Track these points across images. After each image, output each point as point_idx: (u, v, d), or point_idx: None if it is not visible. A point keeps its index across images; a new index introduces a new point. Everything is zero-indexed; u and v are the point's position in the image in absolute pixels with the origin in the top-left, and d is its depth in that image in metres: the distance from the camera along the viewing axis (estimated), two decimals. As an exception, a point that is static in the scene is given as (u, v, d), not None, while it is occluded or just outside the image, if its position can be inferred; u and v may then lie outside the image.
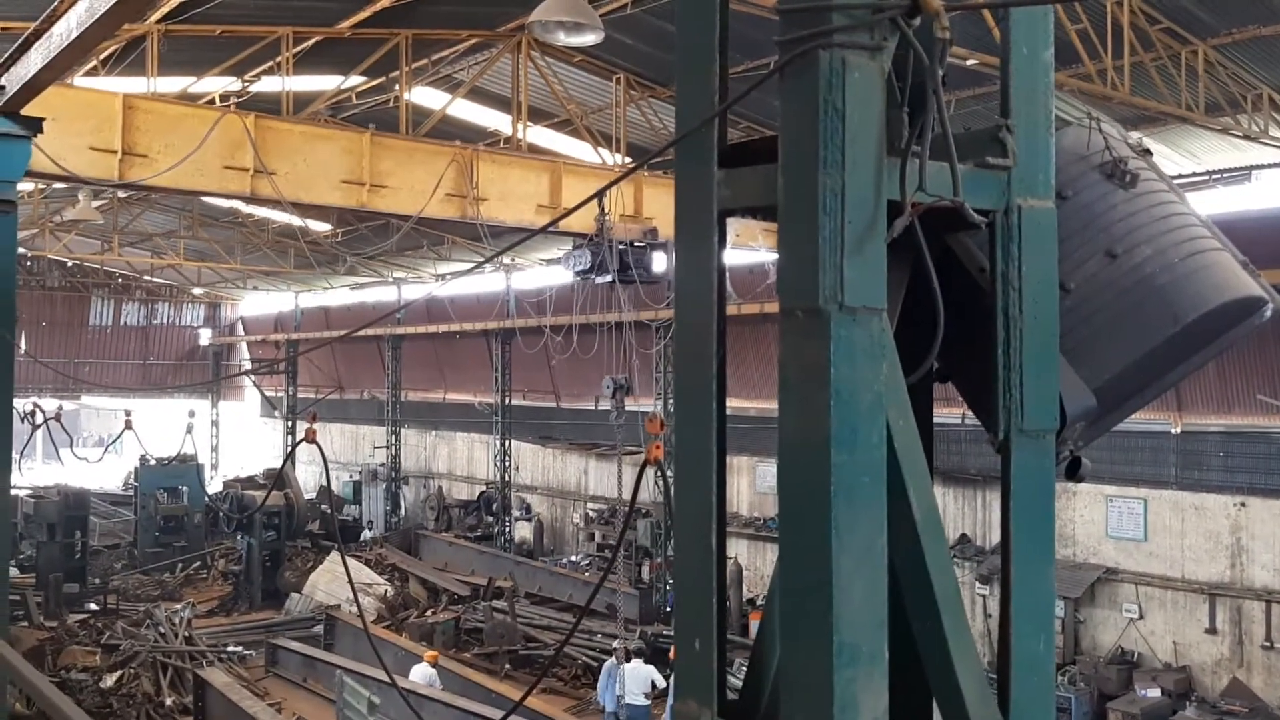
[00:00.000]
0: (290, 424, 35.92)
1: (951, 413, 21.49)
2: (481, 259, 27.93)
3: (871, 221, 2.02)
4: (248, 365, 40.81)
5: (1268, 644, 16.66)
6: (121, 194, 23.97)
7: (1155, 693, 17.01)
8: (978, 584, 20.61)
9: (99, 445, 25.49)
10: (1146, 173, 2.47)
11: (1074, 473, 2.37)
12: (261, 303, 41.79)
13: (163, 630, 19.30)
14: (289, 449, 15.65)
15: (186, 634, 19.44)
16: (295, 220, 24.42)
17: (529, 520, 30.25)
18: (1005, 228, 2.22)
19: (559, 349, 24.27)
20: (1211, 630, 17.37)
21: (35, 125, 8.14)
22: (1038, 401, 2.22)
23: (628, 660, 16.77)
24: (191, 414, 24.00)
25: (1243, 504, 17.06)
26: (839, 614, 1.91)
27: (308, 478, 32.78)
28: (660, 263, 14.98)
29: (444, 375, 34.17)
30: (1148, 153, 2.55)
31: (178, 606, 21.40)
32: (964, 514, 21.35)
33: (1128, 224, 2.39)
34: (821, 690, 1.92)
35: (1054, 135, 2.31)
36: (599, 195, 13.58)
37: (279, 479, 24.37)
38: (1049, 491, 2.28)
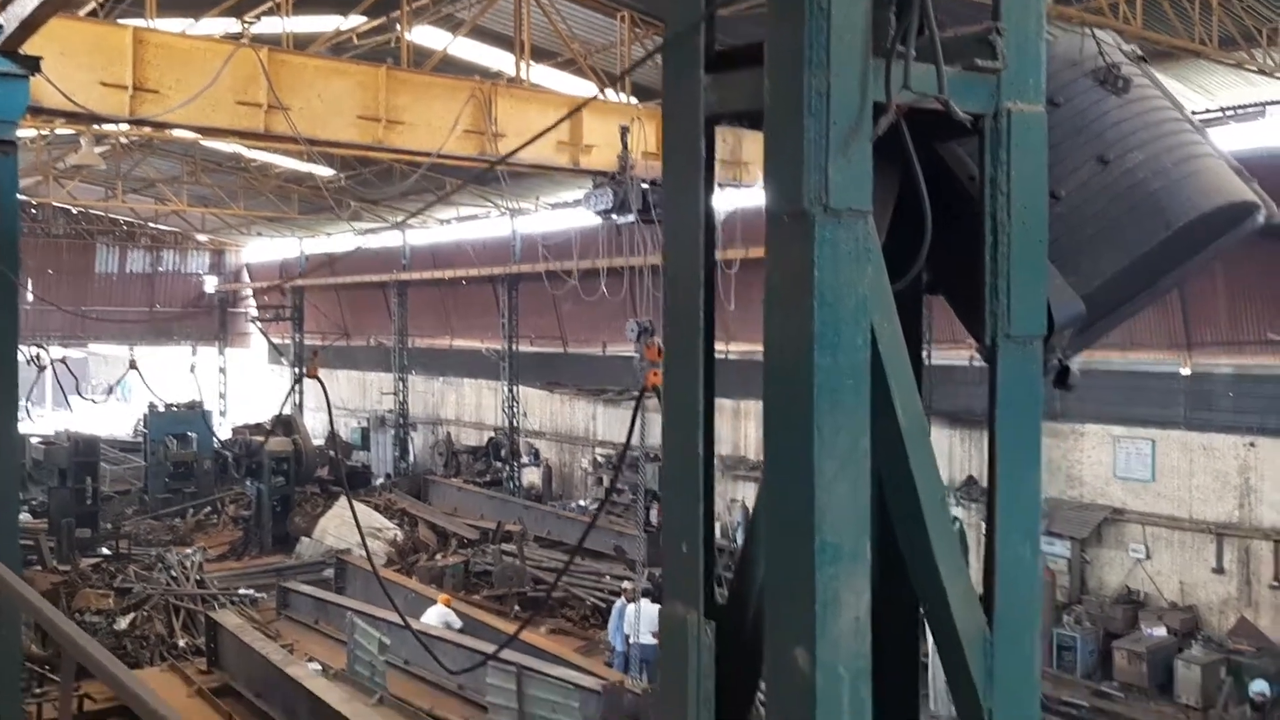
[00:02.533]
0: (298, 371, 36.02)
1: (959, 354, 21.50)
2: (489, 204, 27.85)
3: (857, 123, 1.99)
4: (253, 312, 40.89)
5: (1275, 583, 16.74)
6: (124, 139, 23.86)
7: (1161, 632, 17.13)
8: (983, 524, 20.71)
9: (107, 393, 25.64)
10: (1140, 79, 2.43)
11: (1063, 381, 2.36)
12: (266, 249, 41.77)
13: (174, 574, 19.51)
14: (292, 386, 15.74)
15: (198, 578, 19.65)
16: (301, 165, 24.34)
17: (537, 466, 30.42)
18: (994, 132, 2.19)
19: (570, 294, 24.22)
20: (1219, 570, 17.44)
21: (33, 64, 8.08)
22: (1025, 307, 2.20)
23: (636, 601, 16.93)
24: (193, 363, 24.11)
25: (1252, 444, 17.05)
26: (821, 514, 1.92)
27: (316, 425, 32.94)
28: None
29: (451, 322, 34.19)
30: (1142, 59, 2.51)
31: (189, 551, 21.60)
32: (971, 456, 21.38)
33: (1120, 130, 2.35)
34: (804, 587, 1.93)
35: (1045, 40, 2.27)
36: (567, 118, 13.47)
37: (280, 420, 24.52)
38: (1036, 398, 2.27)
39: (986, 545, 2.27)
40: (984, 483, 19.81)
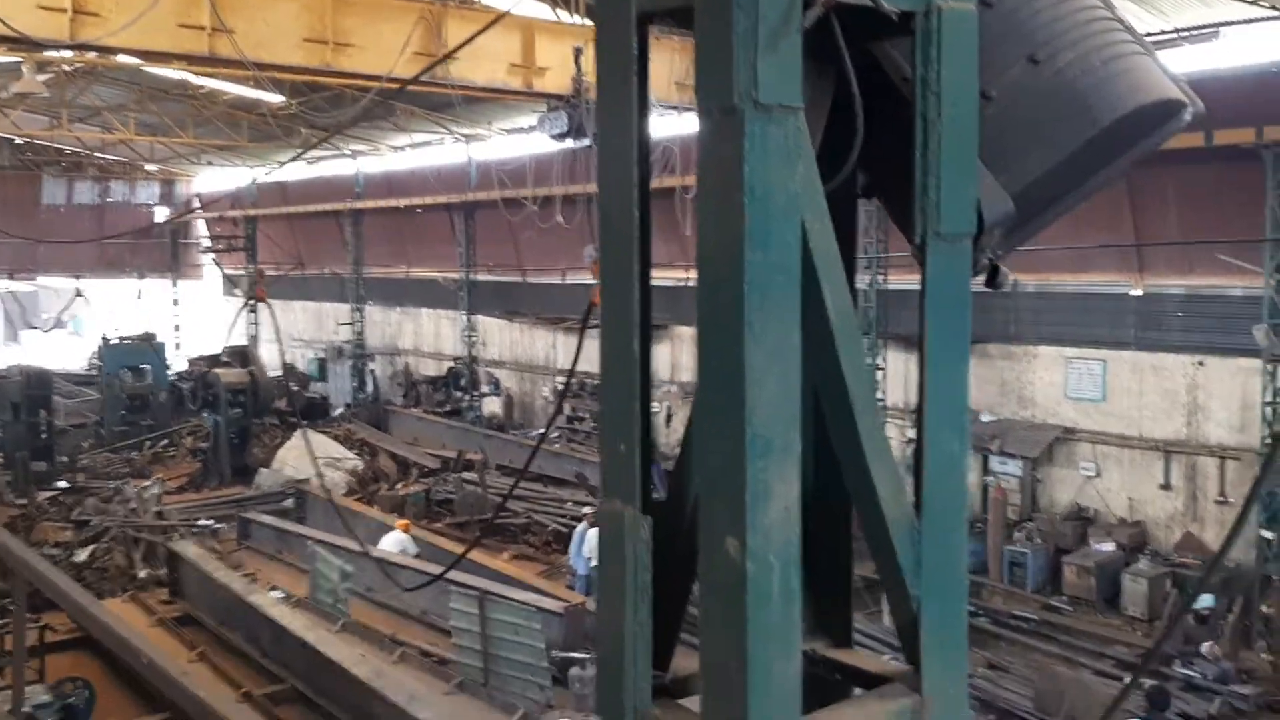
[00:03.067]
0: (251, 301, 35.62)
1: (916, 278, 21.62)
2: (443, 130, 27.45)
3: (786, 18, 1.99)
4: (205, 243, 40.28)
5: (1221, 498, 17.16)
6: (67, 66, 23.23)
7: (1110, 547, 17.59)
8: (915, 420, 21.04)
9: (55, 325, 25.32)
10: (1073, -21, 2.44)
11: (993, 280, 2.39)
12: (218, 179, 41.03)
13: (133, 506, 19.46)
14: (240, 310, 15.55)
15: (157, 510, 19.61)
16: (249, 92, 23.83)
17: (498, 395, 30.46)
18: (925, 30, 2.19)
19: (528, 222, 24.06)
20: (1166, 486, 17.86)
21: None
22: (954, 205, 2.22)
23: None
24: (140, 289, 23.80)
25: (1200, 363, 17.34)
26: (752, 407, 1.95)
27: (272, 356, 32.74)
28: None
29: (407, 251, 33.91)
30: (1076, -44, 2.50)
31: (147, 483, 21.53)
32: (926, 379, 21.65)
33: (1051, 29, 2.36)
34: (736, 479, 1.96)
35: (977, -64, 2.27)
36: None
37: (236, 351, 24.34)
38: (964, 296, 2.31)
39: (916, 440, 2.32)
40: (977, 409, 20.11)
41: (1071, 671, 13.23)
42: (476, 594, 14.23)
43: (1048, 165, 2.33)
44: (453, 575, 15.24)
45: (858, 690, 2.46)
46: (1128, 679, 13.21)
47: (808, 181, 2.07)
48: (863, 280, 20.35)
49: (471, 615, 14.03)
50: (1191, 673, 13.79)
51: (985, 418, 20.27)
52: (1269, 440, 15.24)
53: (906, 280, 21.40)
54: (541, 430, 27.77)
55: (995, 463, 19.94)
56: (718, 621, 2.04)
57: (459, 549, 17.88)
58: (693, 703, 2.29)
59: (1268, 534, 14.85)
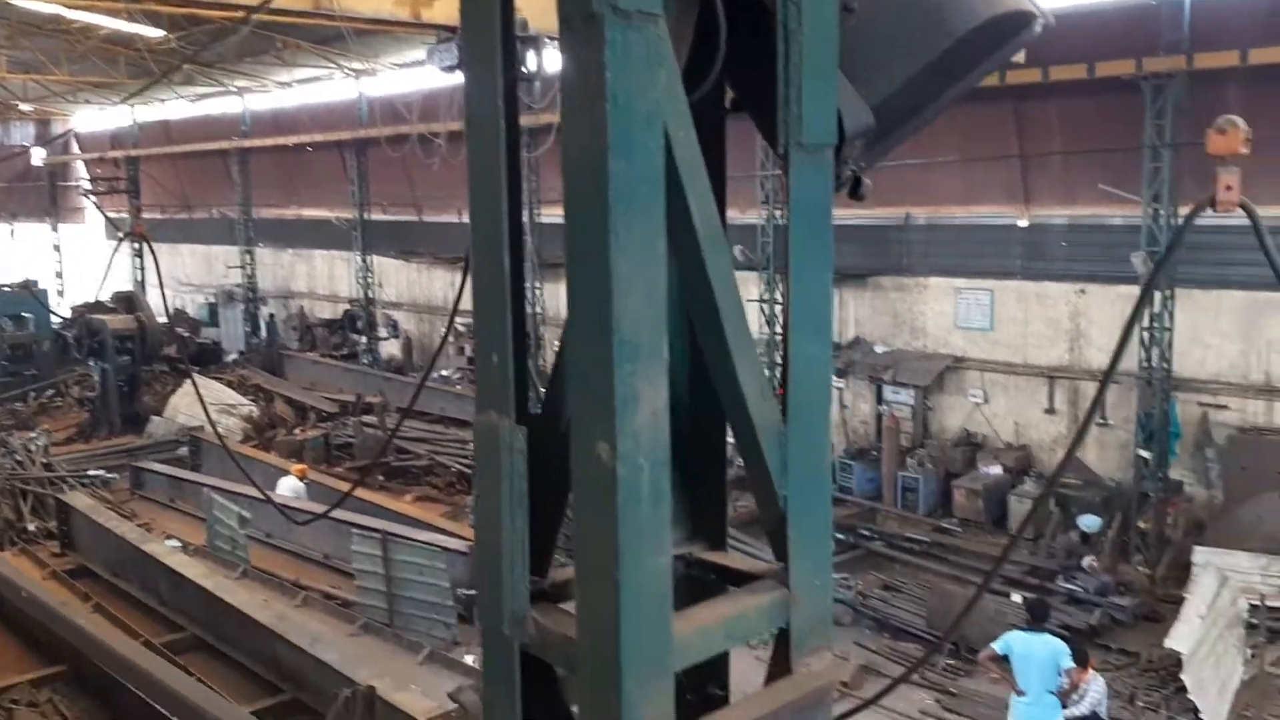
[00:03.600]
0: (136, 245, 34.46)
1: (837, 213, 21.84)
2: (331, 65, 26.68)
3: (646, -75, 2.00)
4: (85, 185, 38.69)
5: (1101, 420, 17.86)
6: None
7: (996, 470, 18.23)
8: (834, 377, 21.47)
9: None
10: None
11: (855, 190, 2.46)
12: (97, 119, 39.35)
13: (19, 458, 18.84)
14: (116, 248, 14.99)
15: (45, 461, 19.03)
16: (125, 26, 22.84)
17: (396, 337, 30.09)
18: (786, -60, 2.22)
19: (423, 159, 23.60)
20: (1050, 410, 18.52)
21: None
22: (816, 116, 2.27)
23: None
24: (11, 229, 22.85)
25: (1082, 291, 17.93)
26: (618, 313, 1.99)
27: (160, 302, 31.81)
28: (532, 60, 14.48)
29: (298, 191, 33.06)
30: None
31: (33, 434, 20.86)
32: (857, 317, 21.98)
33: (910, -57, 2.42)
34: (604, 384, 2.00)
35: None
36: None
37: (121, 297, 23.58)
38: (826, 204, 2.37)
39: (783, 344, 2.38)
40: (871, 341, 20.52)
41: (961, 589, 13.76)
42: (379, 536, 14.19)
43: (906, 76, 2.40)
44: (356, 519, 15.23)
45: (733, 590, 2.54)
46: (1014, 594, 13.80)
47: (670, 90, 2.10)
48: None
49: (374, 557, 14.02)
50: (1073, 587, 14.46)
51: (879, 349, 20.74)
52: (1103, 374, 15.88)
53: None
54: (444, 373, 27.57)
55: (889, 392, 20.45)
56: (590, 522, 2.09)
57: (360, 491, 17.82)
58: (573, 607, 2.35)
59: (1144, 453, 15.54)
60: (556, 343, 2.47)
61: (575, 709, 2.33)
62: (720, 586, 2.57)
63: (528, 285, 20.20)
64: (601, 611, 2.09)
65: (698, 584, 2.56)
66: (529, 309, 21.84)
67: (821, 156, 2.32)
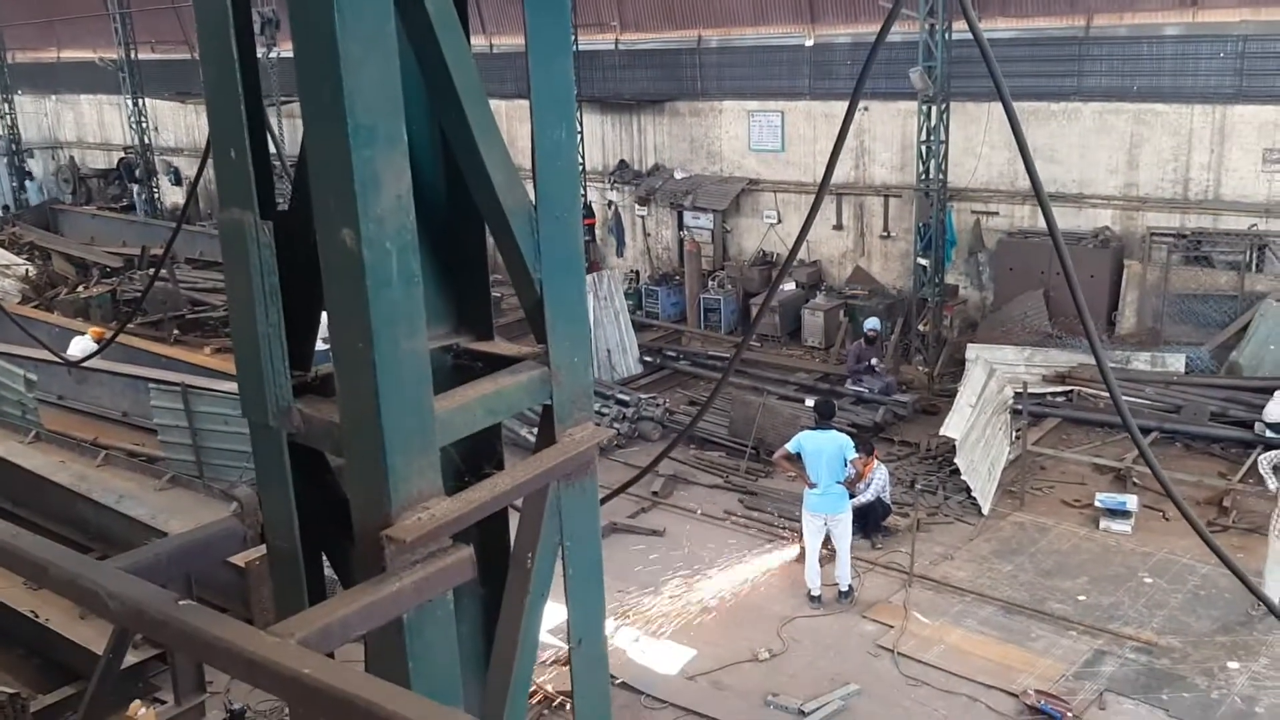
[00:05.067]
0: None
1: (605, 39, 21.62)
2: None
3: None
4: None
5: (884, 233, 18.73)
6: None
7: (790, 286, 18.97)
8: (637, 205, 21.69)
9: None
10: None
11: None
12: None
13: None
14: None
15: None
16: None
17: (179, 185, 28.50)
18: None
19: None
20: (839, 227, 19.26)
21: None
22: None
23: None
24: None
25: (865, 108, 18.44)
26: (351, 96, 2.00)
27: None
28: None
29: (55, 30, 30.33)
30: None
31: None
32: (621, 140, 22.00)
33: None
34: (343, 169, 2.03)
35: None
36: None
37: None
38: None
39: (531, 130, 2.44)
40: (670, 167, 20.53)
41: (759, 398, 14.46)
42: (179, 389, 13.79)
43: None
44: (152, 374, 14.73)
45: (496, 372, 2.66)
46: (807, 399, 14.61)
47: None
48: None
49: (176, 411, 13.64)
50: (860, 389, 15.41)
51: (679, 174, 20.98)
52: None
53: (595, 40, 21.37)
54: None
55: (689, 218, 20.83)
56: (343, 309, 2.15)
57: (154, 347, 17.20)
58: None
59: (923, 261, 16.43)
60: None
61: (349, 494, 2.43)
62: (487, 374, 2.69)
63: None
64: (361, 394, 2.17)
65: (465, 372, 2.67)
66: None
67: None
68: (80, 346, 16.04)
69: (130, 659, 6.77)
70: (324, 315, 2.26)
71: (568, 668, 2.83)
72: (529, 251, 2.45)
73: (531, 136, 2.46)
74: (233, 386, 14.07)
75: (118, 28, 27.30)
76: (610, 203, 22.32)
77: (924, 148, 16.22)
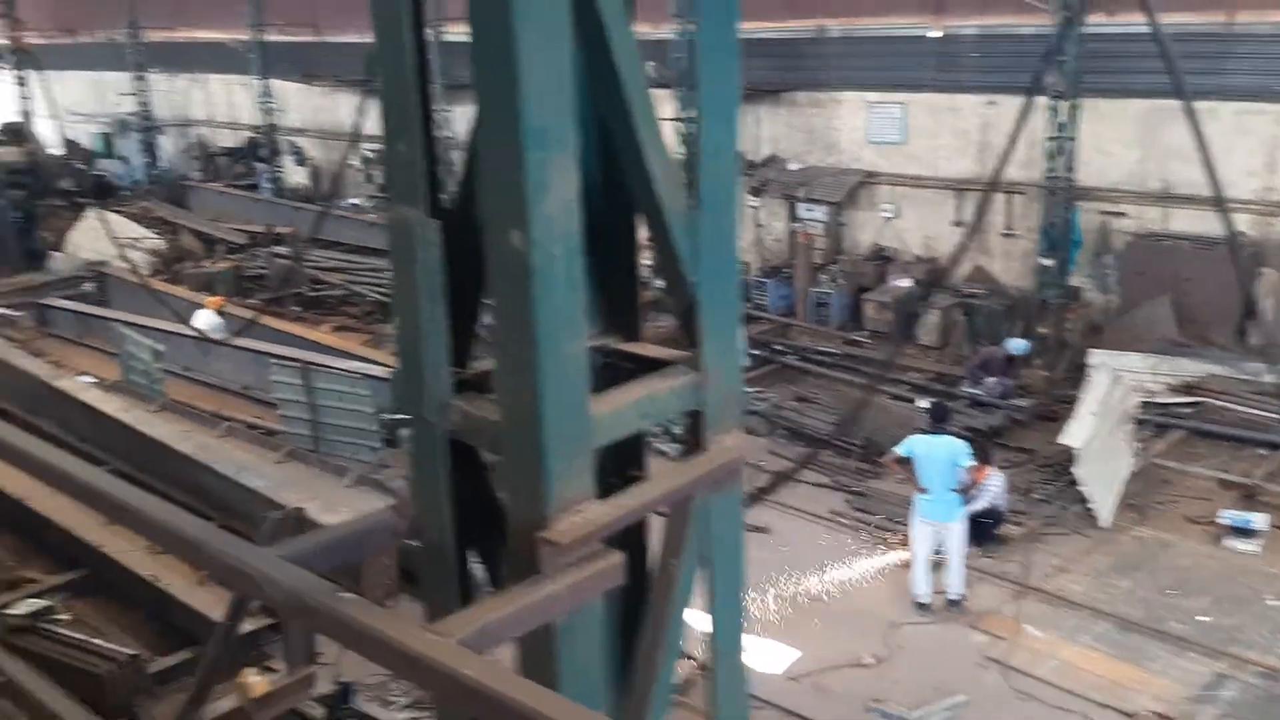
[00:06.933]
0: (19, 73, 32.59)
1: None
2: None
3: None
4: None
5: (1007, 231, 18.24)
6: None
7: (906, 283, 18.64)
8: (749, 196, 21.52)
9: None
10: None
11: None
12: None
13: (-86, 299, 18.25)
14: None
15: (-58, 301, 18.46)
16: None
17: (303, 165, 29.23)
18: None
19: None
20: (958, 224, 18.81)
21: None
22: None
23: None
24: None
25: (992, 102, 17.99)
26: (525, 99, 2.00)
27: (52, 133, 30.33)
28: None
29: (189, 11, 31.30)
30: None
31: (-72, 274, 20.15)
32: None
33: None
34: (515, 172, 2.03)
35: None
36: None
37: (8, 128, 22.44)
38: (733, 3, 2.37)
39: (697, 135, 2.42)
40: (785, 158, 20.24)
41: (869, 396, 14.23)
42: (298, 365, 14.15)
43: None
44: (272, 349, 15.17)
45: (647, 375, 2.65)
46: (920, 400, 14.34)
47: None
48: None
49: (295, 386, 14.00)
50: (976, 392, 15.06)
51: (793, 166, 20.75)
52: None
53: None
54: (354, 201, 27.01)
55: (802, 210, 20.58)
56: (508, 310, 2.15)
57: (275, 322, 17.67)
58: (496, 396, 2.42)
59: (1047, 262, 15.98)
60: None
61: (501, 494, 2.43)
62: (636, 374, 2.68)
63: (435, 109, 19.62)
64: (523, 395, 2.18)
65: (615, 372, 2.66)
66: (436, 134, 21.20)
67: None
68: (203, 319, 16.58)
69: (245, 627, 6.96)
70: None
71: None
72: (685, 253, 2.42)
73: (697, 137, 2.43)
74: (351, 365, 14.43)
75: (249, 10, 28.08)
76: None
77: (1053, 144, 15.75)
